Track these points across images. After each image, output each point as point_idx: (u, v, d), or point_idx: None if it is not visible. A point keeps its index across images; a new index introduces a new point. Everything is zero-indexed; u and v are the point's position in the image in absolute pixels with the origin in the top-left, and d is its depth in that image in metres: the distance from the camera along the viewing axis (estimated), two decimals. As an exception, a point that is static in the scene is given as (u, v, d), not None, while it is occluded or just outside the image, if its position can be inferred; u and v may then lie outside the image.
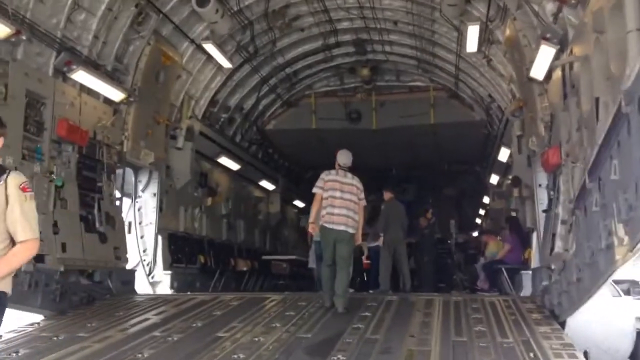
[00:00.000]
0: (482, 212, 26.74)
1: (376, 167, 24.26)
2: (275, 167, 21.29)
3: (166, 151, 13.53)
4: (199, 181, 15.26)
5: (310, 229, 9.20)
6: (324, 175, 8.81)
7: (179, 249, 13.71)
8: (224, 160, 16.48)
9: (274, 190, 20.96)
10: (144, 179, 13.06)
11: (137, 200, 12.95)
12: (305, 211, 24.87)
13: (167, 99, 13.23)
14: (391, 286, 12.56)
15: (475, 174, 24.66)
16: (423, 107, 18.00)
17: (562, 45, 8.94)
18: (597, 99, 6.20)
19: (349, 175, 8.88)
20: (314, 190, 8.83)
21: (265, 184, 20.09)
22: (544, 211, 10.62)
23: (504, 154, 15.56)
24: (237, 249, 17.33)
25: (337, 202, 8.61)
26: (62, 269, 9.14)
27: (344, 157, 8.96)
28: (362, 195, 8.85)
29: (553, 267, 8.62)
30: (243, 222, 18.31)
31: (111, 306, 9.41)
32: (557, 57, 9.20)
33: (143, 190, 13.03)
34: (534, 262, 11.59)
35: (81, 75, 10.09)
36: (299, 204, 23.58)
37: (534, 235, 11.75)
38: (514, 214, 16.24)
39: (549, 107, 9.90)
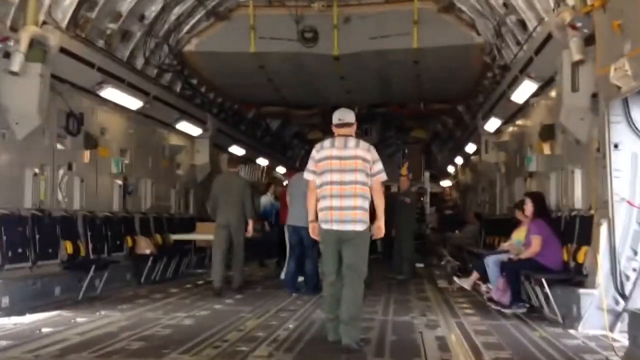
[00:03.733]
0: (459, 161, 21.99)
1: (335, 104, 19.28)
2: (202, 104, 15.90)
3: (-9, 78, 8.13)
4: (65, 126, 9.88)
5: (311, 233, 6.51)
6: (315, 152, 6.47)
7: (20, 239, 8.47)
8: (113, 94, 11.01)
9: (200, 136, 15.67)
10: (-53, 126, 7.71)
11: None
12: (244, 160, 19.75)
13: (-14, -12, 7.67)
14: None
15: (456, 114, 19.96)
16: (403, 25, 12.89)
17: None
18: None
19: (352, 142, 6.36)
20: (305, 175, 6.54)
21: (187, 126, 14.74)
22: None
23: (523, 91, 10.71)
24: (139, 222, 12.17)
25: (336, 189, 6.28)
26: None
27: (337, 114, 6.52)
28: (378, 167, 6.39)
29: None
30: (150, 183, 13.05)
31: None
32: None
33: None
34: (602, 275, 6.98)
35: None
36: (238, 150, 18.23)
37: (603, 230, 7.08)
38: (529, 182, 11.58)
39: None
